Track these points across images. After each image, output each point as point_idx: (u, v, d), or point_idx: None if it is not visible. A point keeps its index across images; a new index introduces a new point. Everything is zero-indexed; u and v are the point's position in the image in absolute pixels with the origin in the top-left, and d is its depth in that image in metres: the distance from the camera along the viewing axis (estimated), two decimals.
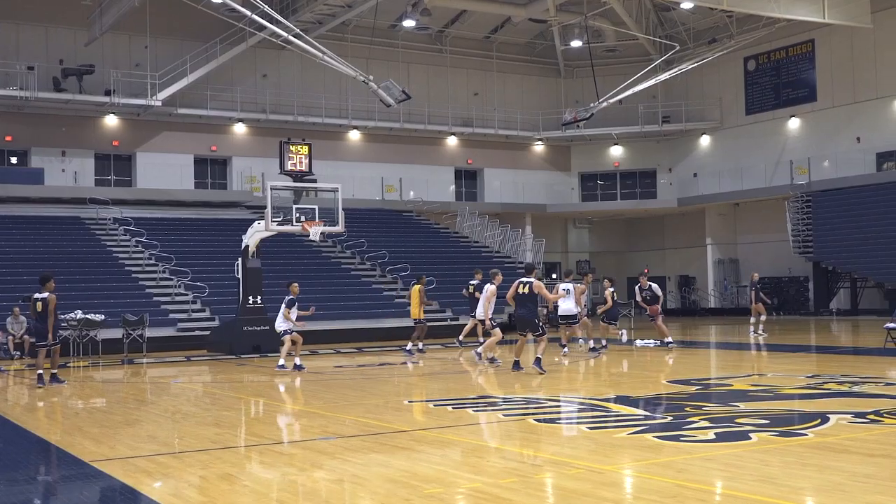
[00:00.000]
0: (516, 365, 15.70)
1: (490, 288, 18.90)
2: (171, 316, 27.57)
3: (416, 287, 23.47)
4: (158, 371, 20.49)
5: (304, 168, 23.19)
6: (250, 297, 24.33)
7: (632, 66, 43.67)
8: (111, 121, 38.43)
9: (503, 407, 11.91)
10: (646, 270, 49.47)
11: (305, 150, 23.19)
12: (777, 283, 44.34)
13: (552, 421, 10.40)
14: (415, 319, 23.41)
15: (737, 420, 10.00)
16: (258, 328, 24.24)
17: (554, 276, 45.19)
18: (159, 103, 37.38)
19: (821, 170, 42.18)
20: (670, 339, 22.70)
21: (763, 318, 27.42)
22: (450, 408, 11.86)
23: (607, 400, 12.13)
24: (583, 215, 50.69)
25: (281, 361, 18.95)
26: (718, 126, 47.07)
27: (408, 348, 22.79)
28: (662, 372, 16.43)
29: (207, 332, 26.31)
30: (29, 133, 36.94)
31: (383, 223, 39.88)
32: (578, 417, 10.57)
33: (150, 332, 24.96)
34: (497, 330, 18.91)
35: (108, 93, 36.72)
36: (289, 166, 23.08)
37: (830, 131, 42.27)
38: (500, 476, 7.37)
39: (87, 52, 37.36)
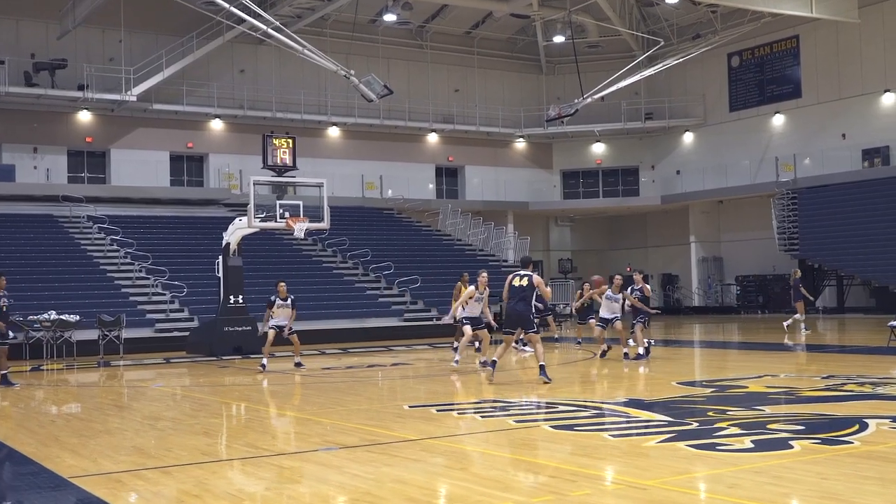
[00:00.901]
0: (493, 364, 14.76)
1: (470, 289, 17.78)
2: (149, 316, 26.65)
3: (457, 285, 22.42)
4: (136, 374, 19.62)
5: (288, 162, 22.26)
6: (231, 297, 23.48)
7: (614, 63, 43.09)
8: (84, 116, 37.39)
9: (512, 412, 11.16)
10: (628, 269, 49.39)
11: (289, 143, 22.27)
12: (762, 281, 43.92)
13: (569, 427, 9.64)
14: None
15: (769, 426, 9.30)
16: (240, 328, 23.43)
17: None
18: (134, 99, 36.40)
19: (806, 167, 41.77)
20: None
21: (799, 316, 26.54)
22: (455, 413, 11.11)
23: (620, 403, 11.42)
24: (565, 213, 50.05)
25: (263, 360, 18.43)
26: (702, 123, 46.55)
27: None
28: (668, 373, 15.73)
29: (186, 333, 25.44)
30: None
31: (364, 221, 39.11)
32: (597, 423, 9.82)
33: (126, 333, 24.05)
34: (467, 328, 17.56)
35: (81, 88, 35.70)
36: (272, 160, 22.17)
37: (815, 128, 41.83)
38: (532, 494, 6.62)
39: (59, 45, 36.32)
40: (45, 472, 8.07)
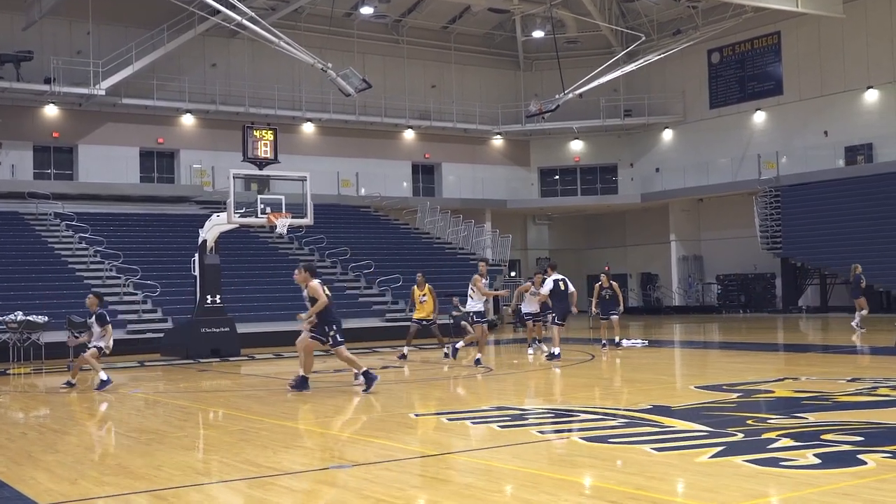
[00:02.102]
0: (301, 382, 13.87)
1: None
2: (121, 317, 25.46)
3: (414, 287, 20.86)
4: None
5: (269, 155, 21.23)
6: (209, 296, 22.42)
7: (593, 59, 42.42)
8: (51, 111, 36.08)
9: (531, 421, 10.22)
10: (606, 268, 48.69)
11: (271, 135, 21.24)
12: (743, 280, 43.38)
13: (603, 439, 8.72)
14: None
15: (822, 437, 8.45)
16: (217, 329, 22.40)
17: (513, 273, 43.86)
18: (103, 93, 35.14)
19: (788, 164, 41.24)
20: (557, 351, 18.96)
21: (864, 312, 25.22)
22: (468, 423, 10.13)
23: (645, 411, 10.51)
24: (543, 211, 49.27)
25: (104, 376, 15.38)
26: (681, 120, 45.93)
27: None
28: (681, 376, 14.88)
29: (161, 335, 24.34)
30: None
31: (341, 219, 38.04)
32: (632, 435, 8.89)
33: None
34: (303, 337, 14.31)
35: (47, 81, 34.43)
36: (252, 153, 21.13)
37: (797, 125, 41.34)
38: None
39: (24, 37, 35.03)
40: (18, 499, 7.03)
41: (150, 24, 36.32)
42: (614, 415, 10.31)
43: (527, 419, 10.37)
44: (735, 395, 11.82)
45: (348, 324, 27.86)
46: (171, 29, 36.33)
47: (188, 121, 39.09)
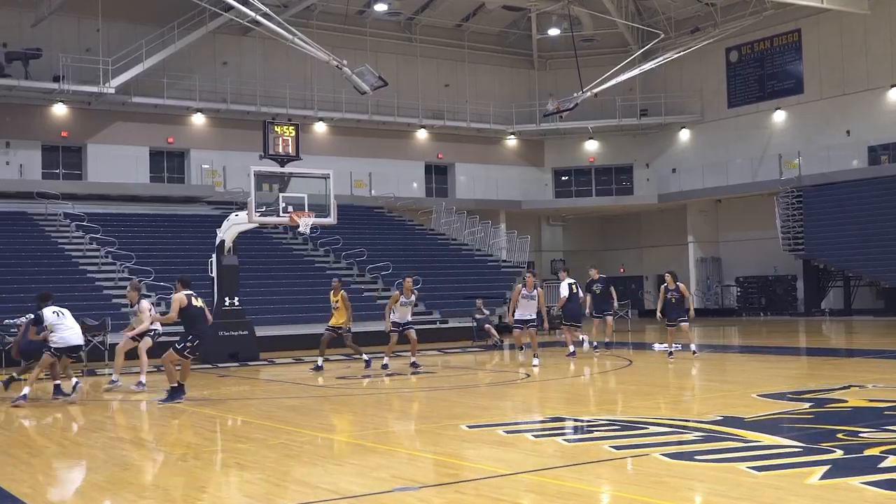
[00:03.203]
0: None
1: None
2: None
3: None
4: (127, 383, 17.72)
5: (290, 152, 20.48)
6: (226, 299, 21.64)
7: (609, 58, 41.60)
8: (60, 109, 35.32)
9: (597, 434, 9.41)
10: (622, 270, 47.96)
11: (292, 131, 20.54)
12: (763, 282, 42.59)
13: (687, 456, 7.90)
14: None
15: None
16: (236, 333, 21.61)
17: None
18: (112, 91, 34.39)
19: (809, 164, 40.41)
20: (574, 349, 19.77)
21: None
22: (529, 436, 9.32)
23: (717, 423, 9.71)
24: (557, 212, 48.49)
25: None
26: (699, 120, 45.13)
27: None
28: (735, 383, 14.06)
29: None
30: None
31: (355, 220, 37.19)
32: (718, 451, 8.08)
33: (112, 339, 22.11)
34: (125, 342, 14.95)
35: (56, 79, 33.70)
36: (273, 150, 20.38)
37: (819, 124, 40.53)
38: None
39: (33, 34, 34.28)
40: None
41: (160, 21, 35.61)
42: (686, 427, 9.49)
43: (592, 432, 9.55)
44: (806, 404, 11.03)
45: (366, 327, 27.29)
46: (182, 26, 35.64)
47: (199, 120, 38.36)
